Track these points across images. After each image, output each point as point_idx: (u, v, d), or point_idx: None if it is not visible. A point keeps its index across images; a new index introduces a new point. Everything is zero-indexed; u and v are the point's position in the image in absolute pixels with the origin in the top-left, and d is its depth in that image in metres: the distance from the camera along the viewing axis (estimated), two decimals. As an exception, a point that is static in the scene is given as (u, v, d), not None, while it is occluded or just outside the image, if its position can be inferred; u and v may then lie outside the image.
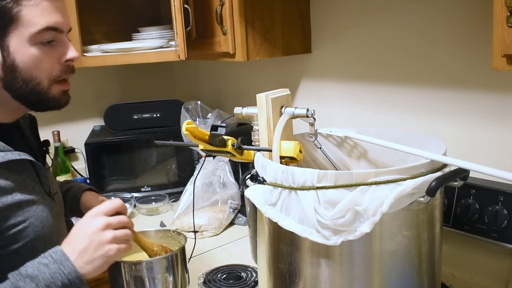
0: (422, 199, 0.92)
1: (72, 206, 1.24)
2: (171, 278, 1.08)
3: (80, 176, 2.16)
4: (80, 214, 1.19)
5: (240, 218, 1.70)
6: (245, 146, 1.08)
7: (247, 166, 1.66)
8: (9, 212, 0.95)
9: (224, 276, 1.36)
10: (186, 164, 1.98)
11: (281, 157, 1.04)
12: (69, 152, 2.19)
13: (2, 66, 0.94)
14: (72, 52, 0.99)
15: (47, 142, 1.16)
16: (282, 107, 1.09)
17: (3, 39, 0.92)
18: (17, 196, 0.96)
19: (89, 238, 0.91)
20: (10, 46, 0.92)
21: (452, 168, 0.98)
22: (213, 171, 1.73)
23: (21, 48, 0.93)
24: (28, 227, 0.98)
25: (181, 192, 1.78)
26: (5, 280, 0.87)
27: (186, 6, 1.59)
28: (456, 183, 0.98)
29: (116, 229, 0.94)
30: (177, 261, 1.10)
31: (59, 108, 1.02)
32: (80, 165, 2.20)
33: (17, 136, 1.07)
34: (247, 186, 1.05)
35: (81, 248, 0.90)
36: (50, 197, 1.07)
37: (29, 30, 0.92)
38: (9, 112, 1.01)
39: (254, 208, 1.05)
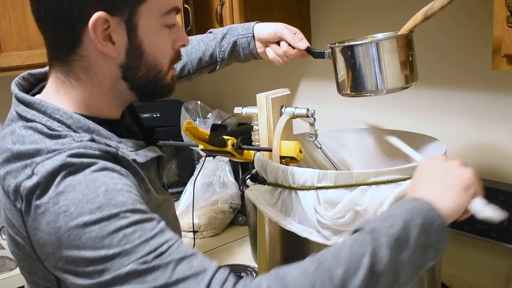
0: (422, 199, 0.92)
1: (248, 54, 1.21)
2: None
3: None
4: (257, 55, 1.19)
5: (240, 218, 1.70)
6: (245, 146, 1.08)
7: (247, 166, 1.66)
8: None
9: (224, 276, 1.36)
10: (186, 164, 1.98)
11: (281, 157, 1.04)
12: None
13: (126, 50, 0.80)
14: (186, 37, 0.89)
15: (153, 129, 1.01)
16: (282, 107, 1.09)
17: (132, 18, 0.79)
18: (154, 195, 0.88)
19: (448, 181, 0.78)
20: (139, 27, 0.80)
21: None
22: (213, 171, 1.73)
23: (149, 30, 0.81)
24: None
25: (181, 192, 1.78)
26: None
27: (186, 6, 1.59)
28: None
29: None
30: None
31: (169, 95, 0.92)
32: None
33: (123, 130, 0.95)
34: (247, 186, 1.05)
35: (440, 189, 0.78)
36: (166, 190, 0.98)
37: (160, 10, 0.81)
38: (118, 107, 0.88)
39: (254, 208, 1.05)
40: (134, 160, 0.82)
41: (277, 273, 0.66)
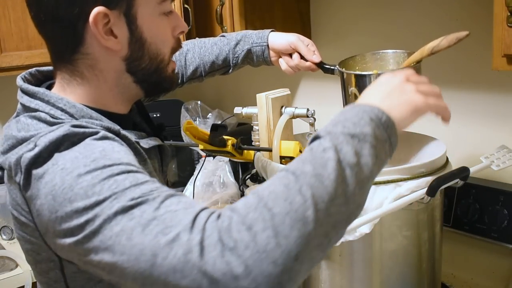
0: (422, 199, 0.92)
1: (262, 61, 1.21)
2: None
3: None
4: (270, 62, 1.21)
5: (240, 218, 1.70)
6: (245, 146, 1.08)
7: (247, 166, 1.66)
8: None
9: (224, 276, 1.35)
10: (186, 164, 1.98)
11: (281, 157, 1.04)
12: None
13: (129, 42, 0.81)
14: (184, 24, 0.89)
15: (163, 126, 1.01)
16: (282, 107, 1.09)
17: (131, 9, 0.80)
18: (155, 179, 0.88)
19: (390, 86, 0.75)
20: (138, 18, 0.81)
21: (452, 168, 0.98)
22: (213, 171, 1.73)
23: (148, 20, 0.82)
24: None
25: (181, 192, 1.78)
26: None
27: (186, 6, 1.59)
28: (456, 183, 0.98)
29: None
30: None
31: (171, 89, 0.94)
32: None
33: (129, 125, 0.95)
34: (247, 186, 1.06)
35: (383, 95, 0.74)
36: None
37: None
38: (125, 102, 0.89)
39: (254, 208, 1.05)
40: (137, 143, 0.82)
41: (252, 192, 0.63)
